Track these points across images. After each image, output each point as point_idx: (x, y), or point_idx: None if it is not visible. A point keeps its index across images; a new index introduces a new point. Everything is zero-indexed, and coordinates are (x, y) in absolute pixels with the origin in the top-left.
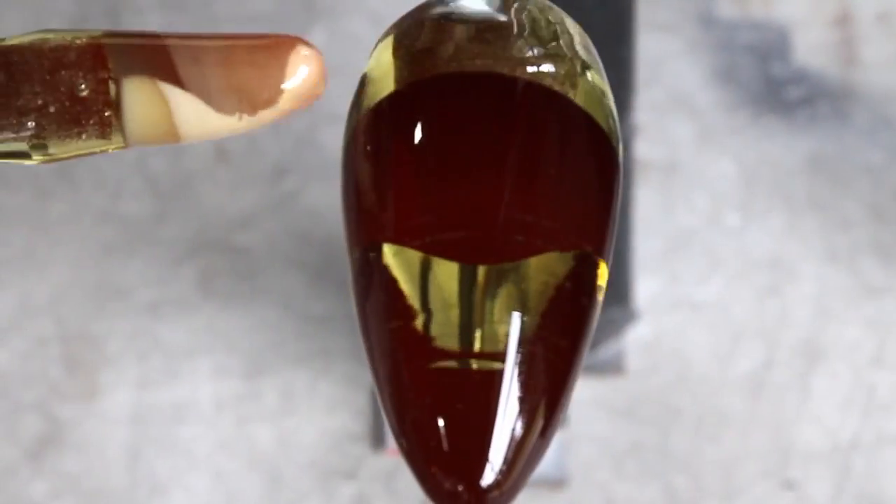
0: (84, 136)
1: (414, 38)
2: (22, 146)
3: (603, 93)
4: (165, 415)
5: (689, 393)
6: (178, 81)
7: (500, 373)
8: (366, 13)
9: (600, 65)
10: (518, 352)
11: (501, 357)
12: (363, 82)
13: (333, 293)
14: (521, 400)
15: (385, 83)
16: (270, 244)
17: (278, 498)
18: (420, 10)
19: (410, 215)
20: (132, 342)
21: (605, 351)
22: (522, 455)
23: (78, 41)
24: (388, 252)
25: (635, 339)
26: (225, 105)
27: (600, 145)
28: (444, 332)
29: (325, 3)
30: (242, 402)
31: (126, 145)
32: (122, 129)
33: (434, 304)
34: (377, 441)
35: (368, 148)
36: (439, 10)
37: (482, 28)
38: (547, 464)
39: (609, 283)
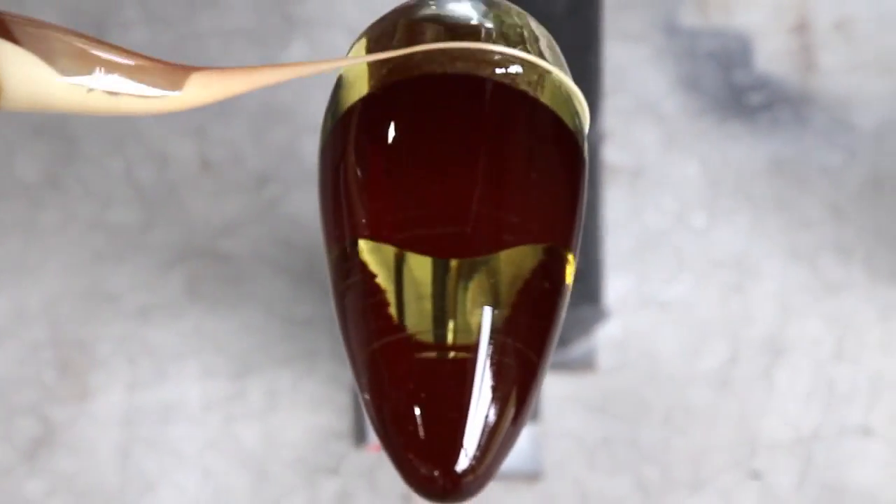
0: None
1: (385, 42)
2: None
3: (568, 93)
4: (155, 415)
5: (658, 388)
6: (5, 33)
7: (473, 362)
8: (343, 26)
9: (566, 66)
10: (490, 342)
11: (474, 348)
12: (337, 86)
13: (316, 297)
14: (494, 388)
15: (359, 86)
16: (255, 250)
17: (265, 494)
18: (391, 14)
19: (385, 212)
20: (122, 345)
21: (577, 348)
22: (495, 442)
23: None
24: (365, 248)
25: (606, 337)
26: (72, 69)
27: (567, 143)
28: (419, 323)
29: (304, 17)
30: (229, 401)
31: None
32: None
33: (408, 296)
34: (359, 438)
35: (344, 149)
36: (410, 14)
37: (452, 31)
38: (522, 457)
39: (580, 282)
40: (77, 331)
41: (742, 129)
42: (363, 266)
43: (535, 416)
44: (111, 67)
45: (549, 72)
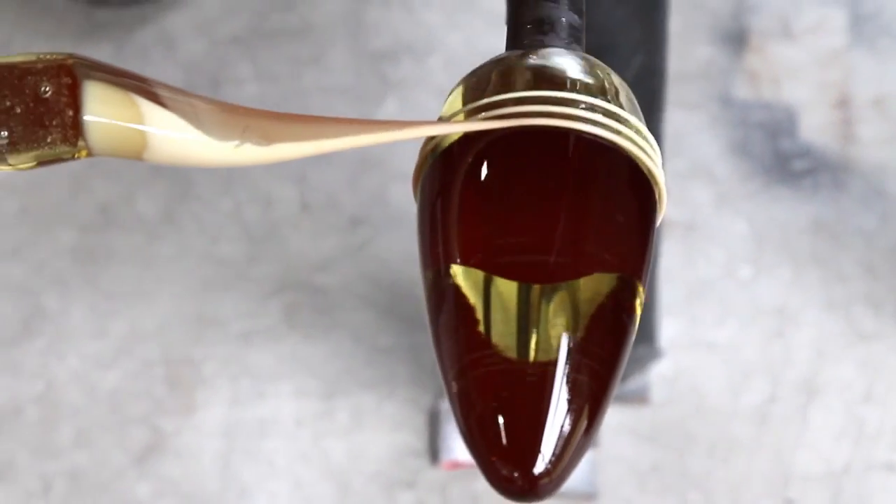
0: (49, 140)
1: (481, 90)
2: None
3: (644, 139)
4: (253, 429)
5: (704, 421)
6: (155, 99)
7: (552, 377)
8: (432, 87)
9: (641, 115)
10: (567, 359)
11: (553, 364)
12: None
13: (398, 328)
14: (570, 401)
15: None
16: (345, 285)
17: (347, 503)
18: (486, 64)
19: (477, 241)
20: (226, 366)
21: (632, 383)
22: (569, 449)
23: (46, 57)
24: (457, 272)
25: (658, 374)
26: (219, 131)
27: (641, 186)
28: (504, 340)
29: (398, 77)
30: (319, 419)
31: (91, 151)
32: (83, 131)
33: (496, 315)
34: (434, 456)
35: (441, 184)
36: (503, 64)
37: (540, 81)
38: (580, 479)
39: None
40: (186, 351)
41: (786, 192)
42: (456, 288)
43: (593, 443)
44: (262, 121)
45: (627, 120)
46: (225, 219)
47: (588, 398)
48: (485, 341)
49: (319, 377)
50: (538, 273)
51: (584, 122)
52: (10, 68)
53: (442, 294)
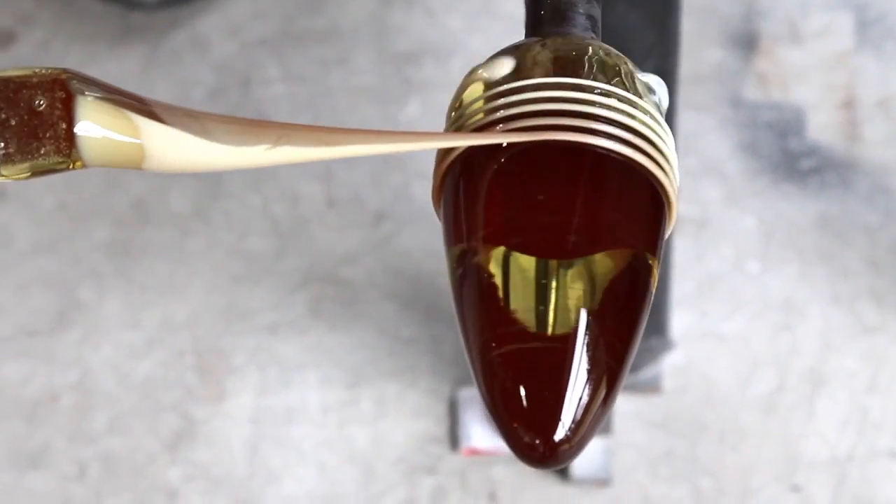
0: (43, 151)
1: (498, 76)
2: None
3: (657, 122)
4: (280, 416)
5: (714, 410)
6: (149, 114)
7: (572, 348)
8: (453, 88)
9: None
10: (585, 331)
11: (572, 335)
12: (459, 107)
13: (420, 320)
14: (588, 372)
15: (477, 117)
16: (369, 278)
17: (371, 488)
18: (506, 50)
19: (497, 222)
20: (254, 356)
21: (645, 373)
22: (588, 417)
23: (41, 71)
24: (480, 249)
25: (670, 364)
26: (236, 138)
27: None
28: (524, 312)
29: (421, 79)
30: (344, 407)
31: (85, 163)
32: (76, 144)
33: (515, 290)
34: (454, 443)
35: (465, 167)
36: (520, 51)
37: (557, 68)
38: (594, 465)
39: (650, 317)
40: (216, 341)
41: (794, 190)
42: (478, 263)
43: (606, 430)
44: (288, 130)
45: (641, 107)
46: (254, 214)
47: (606, 368)
48: (506, 314)
49: (344, 367)
50: (556, 250)
51: (598, 136)
52: (6, 82)
53: (465, 270)
